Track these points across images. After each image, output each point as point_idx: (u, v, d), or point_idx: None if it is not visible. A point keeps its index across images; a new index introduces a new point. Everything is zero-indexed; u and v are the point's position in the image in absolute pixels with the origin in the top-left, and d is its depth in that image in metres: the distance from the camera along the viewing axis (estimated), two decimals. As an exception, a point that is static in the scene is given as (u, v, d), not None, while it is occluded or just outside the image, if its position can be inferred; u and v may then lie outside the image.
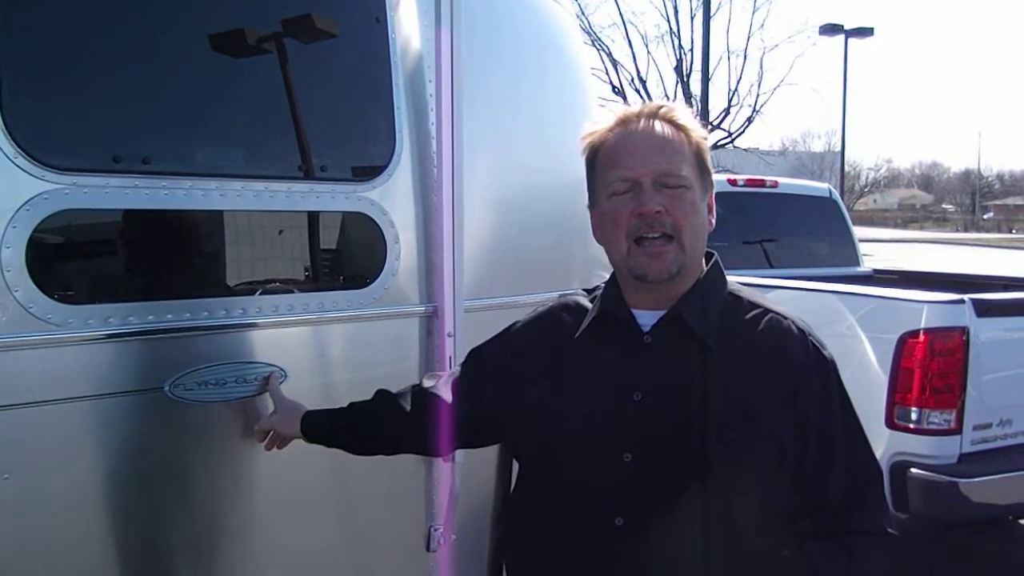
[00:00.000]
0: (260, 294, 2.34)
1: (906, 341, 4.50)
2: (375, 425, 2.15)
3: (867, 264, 7.74)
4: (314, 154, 2.42)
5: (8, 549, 1.98)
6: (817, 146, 55.27)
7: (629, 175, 1.73)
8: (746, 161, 28.15)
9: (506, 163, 2.89)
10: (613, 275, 1.87)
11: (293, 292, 2.42)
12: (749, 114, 27.95)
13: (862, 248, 7.86)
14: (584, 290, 1.98)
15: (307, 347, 2.42)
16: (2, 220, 1.90)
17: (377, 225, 2.50)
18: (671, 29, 27.42)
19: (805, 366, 1.73)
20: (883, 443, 4.50)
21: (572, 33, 3.36)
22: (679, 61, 27.26)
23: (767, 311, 1.79)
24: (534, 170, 2.96)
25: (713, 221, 1.81)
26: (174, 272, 2.28)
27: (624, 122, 1.78)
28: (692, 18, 26.68)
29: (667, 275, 1.72)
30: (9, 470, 1.94)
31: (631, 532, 1.70)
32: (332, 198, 2.46)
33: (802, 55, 52.95)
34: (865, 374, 4.65)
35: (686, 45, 27.01)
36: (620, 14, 33.70)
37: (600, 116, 1.83)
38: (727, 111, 27.79)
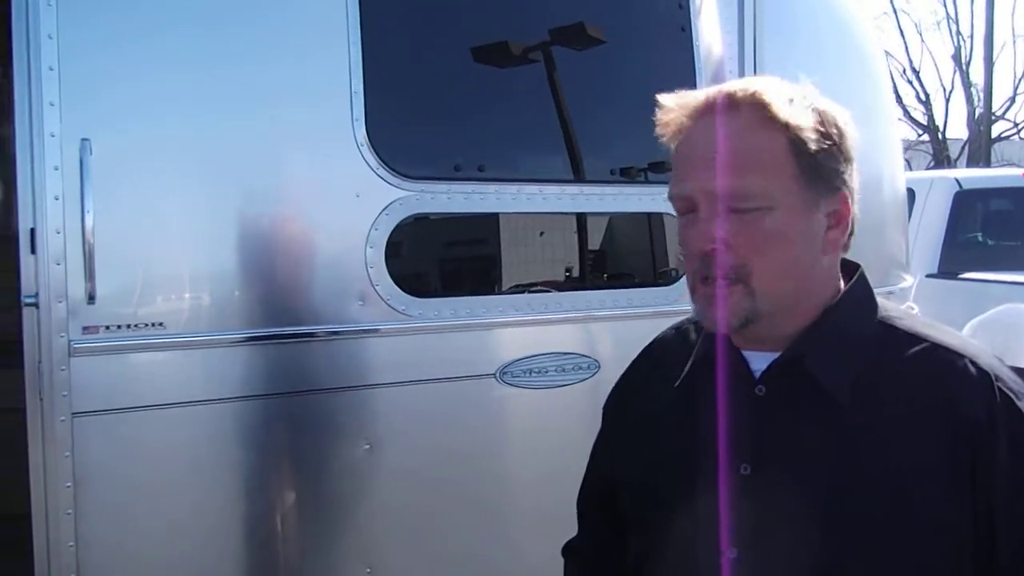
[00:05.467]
0: (577, 291, 2.53)
1: None
2: None
3: None
4: (624, 159, 2.58)
5: (366, 510, 2.27)
6: (1121, 134, 49.61)
7: (684, 192, 1.26)
8: (1036, 153, 25.88)
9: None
10: None
11: (605, 289, 2.59)
12: (1039, 102, 25.73)
13: None
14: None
15: (617, 341, 2.56)
16: (366, 223, 2.19)
17: (681, 225, 2.62)
18: (948, 15, 25.82)
19: (987, 424, 1.21)
20: None
21: (866, 27, 3.32)
22: (957, 49, 25.46)
23: (934, 346, 1.27)
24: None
25: (843, 238, 1.28)
26: (503, 269, 2.52)
27: (698, 112, 1.26)
28: (972, 2, 24.93)
29: (727, 326, 1.27)
30: (370, 440, 2.23)
31: None
32: (639, 200, 2.61)
33: (1101, 34, 47.52)
34: None
35: (965, 32, 25.30)
36: (891, 2, 32.06)
37: (685, 97, 1.30)
38: (1012, 99, 25.72)
